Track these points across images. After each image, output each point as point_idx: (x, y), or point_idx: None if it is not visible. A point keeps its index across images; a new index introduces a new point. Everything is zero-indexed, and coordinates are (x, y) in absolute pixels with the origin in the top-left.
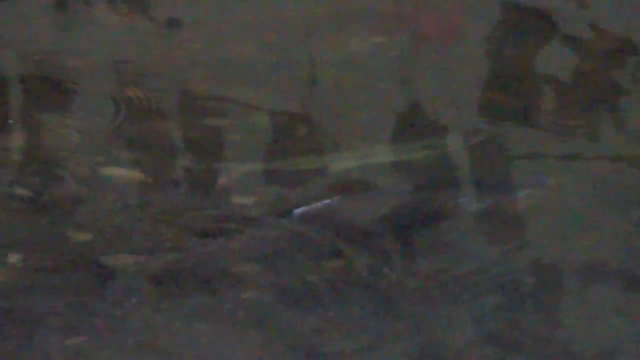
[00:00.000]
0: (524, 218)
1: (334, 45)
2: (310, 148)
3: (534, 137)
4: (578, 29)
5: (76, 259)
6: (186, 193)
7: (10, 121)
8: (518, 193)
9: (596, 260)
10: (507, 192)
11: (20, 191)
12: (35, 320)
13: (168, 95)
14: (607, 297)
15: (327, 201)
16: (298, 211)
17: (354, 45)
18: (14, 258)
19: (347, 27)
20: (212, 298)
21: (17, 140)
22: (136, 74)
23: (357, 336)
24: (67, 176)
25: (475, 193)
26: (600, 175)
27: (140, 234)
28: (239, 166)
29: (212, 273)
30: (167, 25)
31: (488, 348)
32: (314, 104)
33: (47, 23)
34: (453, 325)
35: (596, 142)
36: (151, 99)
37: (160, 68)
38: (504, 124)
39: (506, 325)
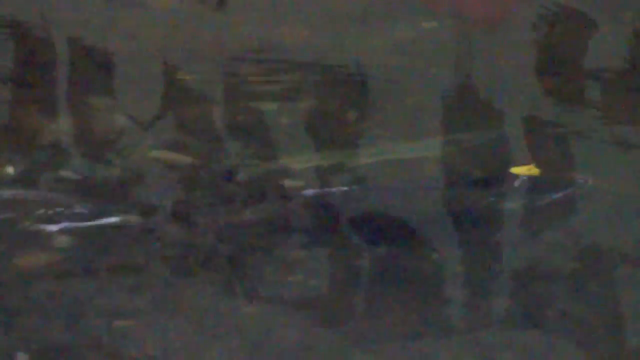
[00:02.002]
0: (572, 208)
1: (383, 30)
2: (358, 134)
3: (584, 122)
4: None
5: (125, 242)
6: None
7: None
8: (556, 194)
9: None
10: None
11: (68, 174)
12: (83, 303)
13: (216, 78)
14: None
15: (344, 188)
16: (308, 192)
17: (403, 31)
18: (62, 241)
19: (396, 11)
20: (260, 281)
21: (65, 123)
22: (185, 58)
23: (402, 325)
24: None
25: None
26: None
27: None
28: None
29: (260, 256)
30: (216, 8)
31: (535, 335)
32: (362, 89)
33: (95, 6)
34: (498, 315)
35: None
36: (199, 82)
37: (209, 51)
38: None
39: (554, 313)
